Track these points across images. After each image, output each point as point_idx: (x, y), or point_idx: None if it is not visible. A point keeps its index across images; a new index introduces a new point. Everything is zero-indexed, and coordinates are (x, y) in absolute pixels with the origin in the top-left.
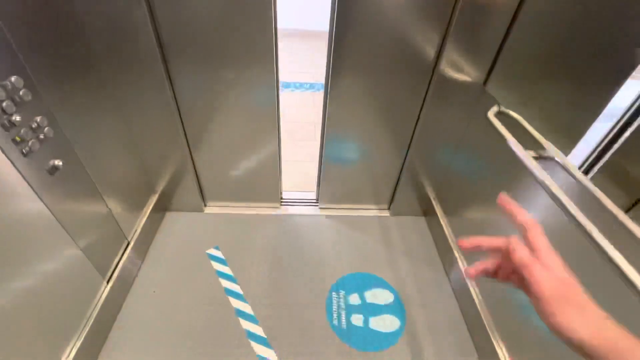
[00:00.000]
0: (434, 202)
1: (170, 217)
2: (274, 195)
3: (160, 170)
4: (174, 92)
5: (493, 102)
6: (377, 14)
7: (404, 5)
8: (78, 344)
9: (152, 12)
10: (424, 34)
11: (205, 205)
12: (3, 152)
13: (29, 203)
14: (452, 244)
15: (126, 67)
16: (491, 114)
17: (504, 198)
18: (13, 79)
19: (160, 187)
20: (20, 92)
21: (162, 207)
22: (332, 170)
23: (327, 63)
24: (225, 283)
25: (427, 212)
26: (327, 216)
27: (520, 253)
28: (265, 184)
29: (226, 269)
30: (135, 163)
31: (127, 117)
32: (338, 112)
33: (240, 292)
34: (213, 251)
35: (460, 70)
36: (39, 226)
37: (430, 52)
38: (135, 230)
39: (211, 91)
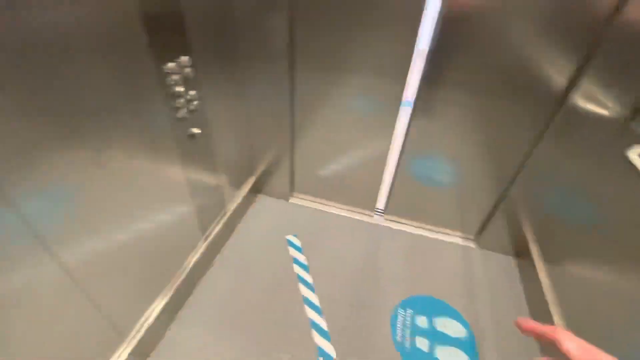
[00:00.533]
0: (531, 245)
1: (260, 199)
2: (369, 203)
3: (263, 155)
4: (293, 86)
5: (636, 141)
6: (492, 35)
7: (531, 29)
8: (165, 300)
9: (292, 20)
10: (552, 62)
11: (291, 195)
12: (167, 115)
13: (170, 161)
14: (546, 295)
15: (258, 61)
16: (634, 154)
17: (524, 322)
18: (184, 58)
19: (259, 171)
20: (186, 70)
21: (257, 189)
22: (412, 186)
23: (421, 76)
24: (298, 270)
25: (521, 253)
26: (407, 232)
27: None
28: (362, 190)
29: (301, 257)
30: (246, 145)
31: (247, 103)
32: (426, 126)
33: (311, 282)
34: (292, 238)
35: (598, 104)
36: (171, 181)
37: (560, 81)
38: (233, 204)
39: (329, 92)
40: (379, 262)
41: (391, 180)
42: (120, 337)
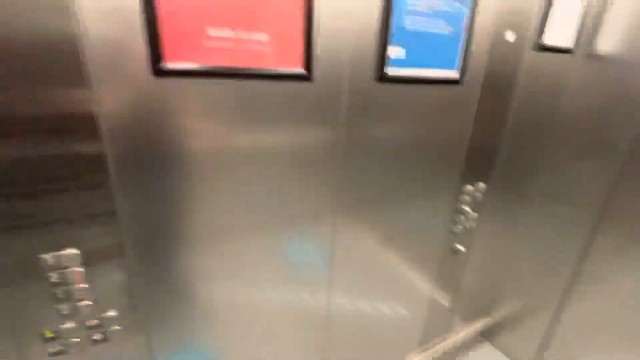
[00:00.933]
0: None
1: (486, 348)
2: None
3: (510, 301)
4: (589, 244)
5: None
6: None
7: None
8: None
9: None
10: None
11: None
12: (444, 225)
13: (427, 267)
14: None
15: (555, 206)
16: None
17: None
18: (482, 185)
19: (498, 316)
20: (477, 194)
21: (487, 334)
22: None
23: None
24: None
25: None
26: None
27: None
28: None
29: None
30: (494, 283)
31: (520, 242)
32: None
33: None
34: None
35: None
36: (417, 283)
37: None
38: (455, 336)
39: None
40: None
41: None
42: None
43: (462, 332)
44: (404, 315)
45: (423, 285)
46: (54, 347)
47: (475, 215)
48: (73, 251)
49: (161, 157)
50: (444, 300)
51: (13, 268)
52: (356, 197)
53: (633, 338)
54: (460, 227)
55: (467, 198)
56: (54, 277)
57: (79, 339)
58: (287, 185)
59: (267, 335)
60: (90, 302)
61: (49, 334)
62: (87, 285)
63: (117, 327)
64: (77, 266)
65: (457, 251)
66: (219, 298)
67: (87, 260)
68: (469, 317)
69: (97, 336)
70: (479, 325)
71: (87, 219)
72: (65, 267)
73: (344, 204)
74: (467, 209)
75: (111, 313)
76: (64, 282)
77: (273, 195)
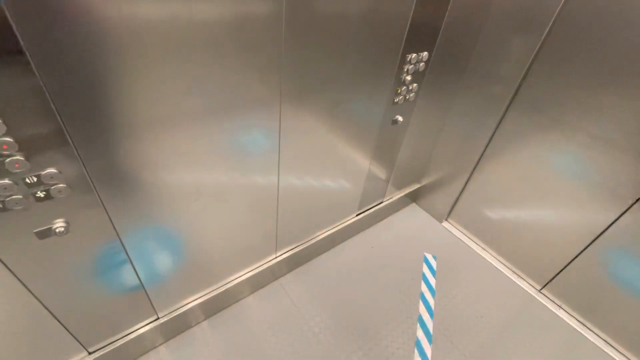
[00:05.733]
0: None
1: (414, 208)
2: (534, 272)
3: (437, 169)
4: (501, 121)
5: None
6: None
7: None
8: (300, 247)
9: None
10: None
11: (446, 219)
12: (387, 97)
13: (367, 136)
14: None
15: (482, 85)
16: None
17: None
18: (424, 53)
19: (425, 181)
20: (421, 64)
21: (414, 197)
22: (600, 283)
23: None
24: (424, 288)
25: None
26: (569, 326)
27: None
28: (531, 255)
29: (432, 279)
30: (426, 152)
31: (450, 116)
32: None
33: (432, 307)
34: (430, 257)
35: None
36: (356, 154)
37: None
38: (389, 199)
39: (536, 140)
40: (521, 343)
41: (573, 262)
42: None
43: (394, 196)
44: (345, 186)
45: (363, 160)
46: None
47: (416, 85)
48: None
49: (74, 25)
50: (380, 172)
51: None
52: (300, 75)
53: (516, 200)
54: (401, 97)
55: (409, 67)
56: None
57: (19, 196)
58: (227, 67)
59: (221, 211)
60: (20, 158)
61: None
62: (9, 139)
63: (61, 185)
64: None
65: (396, 121)
66: (166, 181)
67: (3, 112)
68: (401, 185)
69: (40, 193)
70: (408, 190)
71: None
72: None
73: (289, 82)
74: (408, 78)
75: (50, 170)
76: None
77: (214, 79)
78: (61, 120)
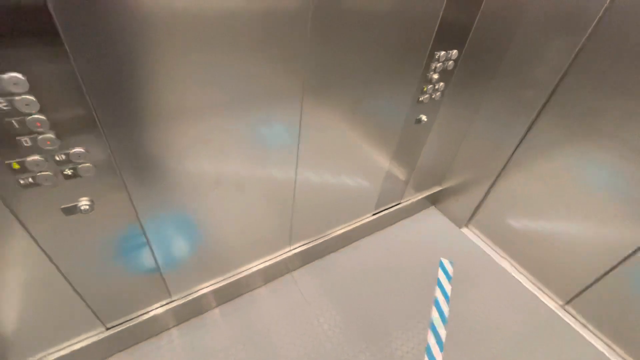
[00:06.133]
0: None
1: (432, 211)
2: (560, 287)
3: (459, 172)
4: (532, 125)
5: None
6: None
7: None
8: (326, 237)
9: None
10: None
11: (466, 225)
12: (412, 94)
13: (390, 133)
14: None
15: (516, 88)
16: None
17: None
18: (454, 51)
19: (446, 184)
20: (449, 62)
21: (434, 200)
22: (628, 302)
23: None
24: (439, 294)
25: None
26: (595, 348)
27: None
28: (556, 270)
29: (447, 285)
30: (450, 154)
31: (478, 118)
32: None
33: (446, 314)
34: (446, 262)
35: None
36: (376, 153)
37: None
38: (407, 201)
39: (572, 149)
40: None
41: (602, 279)
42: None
43: (413, 199)
44: (363, 185)
45: (383, 159)
46: (25, 179)
47: (443, 84)
48: (17, 75)
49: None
50: (400, 173)
51: None
52: (323, 70)
53: (543, 210)
54: (426, 95)
55: (437, 65)
56: (2, 104)
57: (49, 173)
58: (252, 59)
59: (239, 202)
60: (51, 136)
61: (15, 166)
62: (43, 117)
63: (88, 165)
64: (26, 94)
65: (420, 120)
66: (187, 169)
67: (39, 91)
68: (421, 187)
69: (68, 171)
70: (428, 192)
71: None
72: (12, 94)
73: (312, 78)
74: (435, 76)
75: (78, 149)
76: (15, 112)
77: (239, 71)
78: (91, 103)
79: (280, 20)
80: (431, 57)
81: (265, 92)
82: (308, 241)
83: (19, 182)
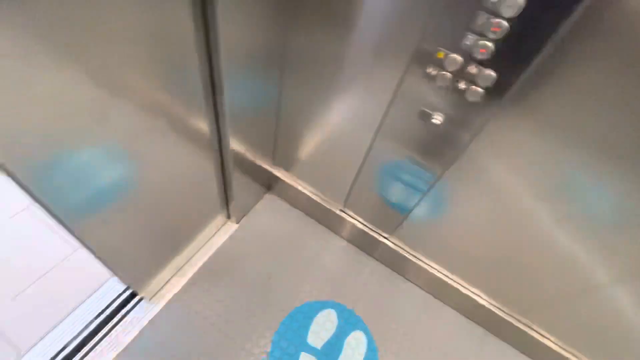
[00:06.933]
0: None
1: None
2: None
3: None
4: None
5: None
6: None
7: None
8: None
9: None
10: None
11: None
12: None
13: None
14: None
15: None
16: None
17: None
18: None
19: None
20: None
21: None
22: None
23: None
24: None
25: None
26: None
27: None
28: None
29: None
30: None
31: None
32: None
33: None
34: None
35: None
36: None
37: None
38: None
39: None
40: None
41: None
42: None
43: None
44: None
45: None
46: (431, 70)
47: None
48: None
49: None
50: None
51: None
52: None
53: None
54: None
55: None
56: None
57: (449, 75)
58: None
59: None
60: (489, 44)
61: (440, 55)
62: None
63: (478, 89)
64: None
65: None
66: None
67: None
68: None
69: (461, 85)
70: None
71: None
72: None
73: None
74: None
75: (489, 72)
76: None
77: None
78: None
79: None
80: None
81: None
82: None
83: (425, 70)
